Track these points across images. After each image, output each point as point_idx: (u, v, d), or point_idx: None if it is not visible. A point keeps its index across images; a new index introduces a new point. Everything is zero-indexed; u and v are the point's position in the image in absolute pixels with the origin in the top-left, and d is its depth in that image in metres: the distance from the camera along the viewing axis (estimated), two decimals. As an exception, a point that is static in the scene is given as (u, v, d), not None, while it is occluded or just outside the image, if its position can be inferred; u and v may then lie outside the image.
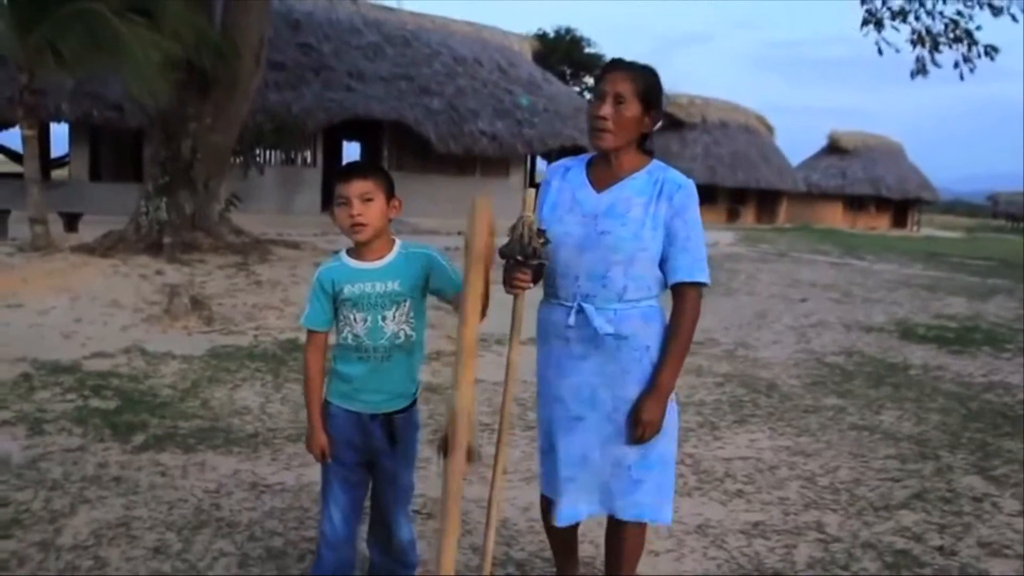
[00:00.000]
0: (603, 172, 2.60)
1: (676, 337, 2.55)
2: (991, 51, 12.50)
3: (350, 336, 2.58)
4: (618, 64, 2.56)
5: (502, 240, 2.41)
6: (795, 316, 9.78)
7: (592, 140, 2.56)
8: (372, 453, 2.65)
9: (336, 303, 2.59)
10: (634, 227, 2.51)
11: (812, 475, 4.40)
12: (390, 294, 2.54)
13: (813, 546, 3.52)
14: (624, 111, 2.50)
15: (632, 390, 2.55)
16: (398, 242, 2.62)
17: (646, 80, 2.53)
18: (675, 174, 2.59)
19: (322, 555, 2.68)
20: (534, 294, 2.60)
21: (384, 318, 2.55)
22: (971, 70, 12.65)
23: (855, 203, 39.59)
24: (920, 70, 13.06)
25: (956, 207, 73.01)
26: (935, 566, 3.39)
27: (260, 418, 4.94)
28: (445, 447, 2.26)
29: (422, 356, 2.68)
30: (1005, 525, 3.82)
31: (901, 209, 41.42)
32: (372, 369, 2.57)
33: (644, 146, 2.62)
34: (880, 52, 12.75)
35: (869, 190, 39.01)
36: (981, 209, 69.14)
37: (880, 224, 39.90)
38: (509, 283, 2.49)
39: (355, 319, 2.56)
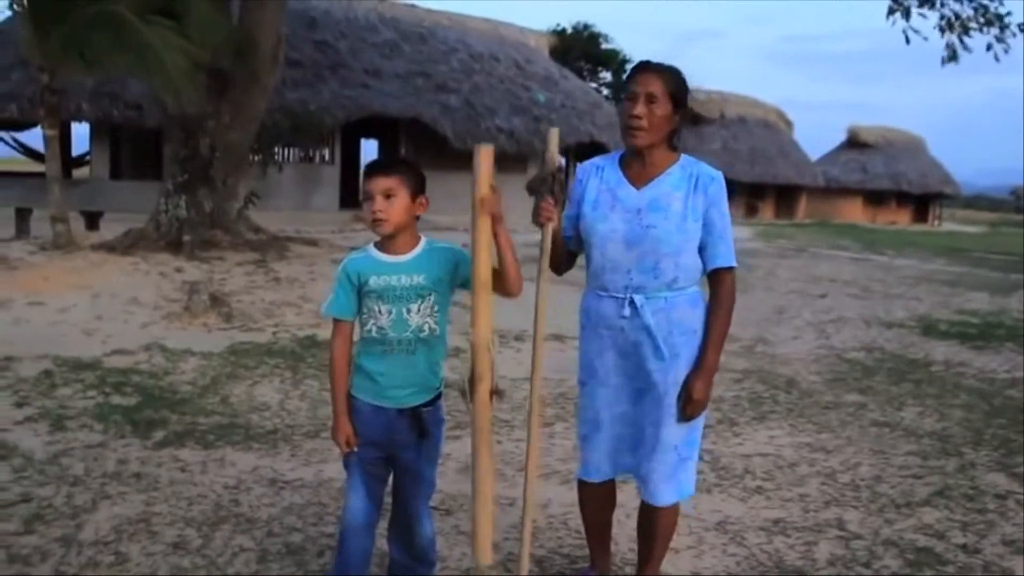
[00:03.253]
0: (638, 169, 2.74)
1: (719, 318, 2.71)
2: None
3: (375, 329, 2.59)
4: (647, 65, 2.70)
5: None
6: (815, 312, 9.71)
7: (627, 139, 2.69)
8: (395, 448, 2.65)
9: (361, 295, 2.61)
10: (676, 220, 2.66)
11: (832, 472, 4.37)
12: (415, 287, 2.57)
13: (834, 543, 3.49)
14: (656, 110, 2.64)
15: (682, 373, 2.70)
16: (424, 238, 2.66)
17: (675, 79, 2.68)
18: (707, 167, 2.74)
19: (342, 542, 2.71)
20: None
21: (409, 311, 2.57)
22: (1006, 51, 12.40)
23: (875, 198, 39.26)
24: (951, 57, 12.82)
25: (978, 202, 72.23)
26: (958, 564, 3.35)
27: (279, 414, 4.96)
28: (470, 389, 2.36)
29: (444, 350, 2.69)
30: (1030, 523, 3.78)
31: (922, 204, 41.04)
32: (397, 363, 2.59)
33: (672, 142, 2.74)
34: (908, 41, 12.53)
35: (889, 185, 38.68)
36: (1003, 204, 68.44)
37: (901, 219, 39.55)
38: (536, 215, 2.65)
39: (380, 311, 2.58)
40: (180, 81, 9.01)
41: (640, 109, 2.61)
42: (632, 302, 2.68)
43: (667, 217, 2.64)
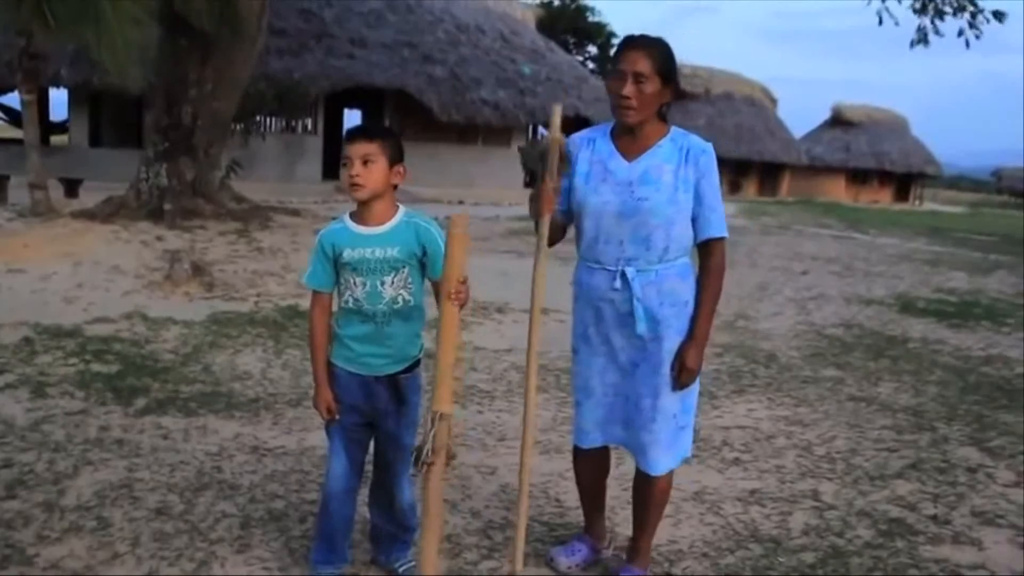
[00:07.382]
0: (629, 142, 2.75)
1: (710, 288, 2.75)
2: (999, 16, 12.28)
3: (351, 300, 2.62)
4: (634, 42, 2.67)
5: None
6: (796, 289, 9.79)
7: (618, 117, 2.70)
8: (375, 415, 2.69)
9: (337, 266, 2.62)
10: (668, 192, 2.68)
11: (809, 444, 4.44)
12: (389, 260, 2.58)
13: (808, 514, 3.56)
14: (645, 88, 2.63)
15: (675, 343, 2.74)
16: (401, 209, 2.66)
17: (662, 55, 2.66)
18: (696, 140, 2.75)
19: (324, 508, 2.76)
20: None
21: (383, 283, 2.59)
22: (977, 37, 12.47)
23: (858, 177, 39.44)
24: (921, 39, 12.90)
25: (960, 182, 72.63)
26: (928, 534, 3.42)
27: (261, 383, 4.97)
28: (419, 456, 2.31)
29: (423, 319, 2.70)
30: (999, 495, 3.86)
31: (904, 183, 41.28)
32: (373, 331, 2.62)
33: (661, 113, 2.75)
34: (880, 22, 12.62)
35: (873, 164, 38.85)
36: (985, 184, 68.86)
37: (883, 198, 39.78)
38: (535, 203, 2.61)
39: (355, 283, 2.60)
40: (127, 59, 8.73)
41: (629, 89, 2.61)
42: (623, 275, 2.70)
43: (659, 189, 2.66)
